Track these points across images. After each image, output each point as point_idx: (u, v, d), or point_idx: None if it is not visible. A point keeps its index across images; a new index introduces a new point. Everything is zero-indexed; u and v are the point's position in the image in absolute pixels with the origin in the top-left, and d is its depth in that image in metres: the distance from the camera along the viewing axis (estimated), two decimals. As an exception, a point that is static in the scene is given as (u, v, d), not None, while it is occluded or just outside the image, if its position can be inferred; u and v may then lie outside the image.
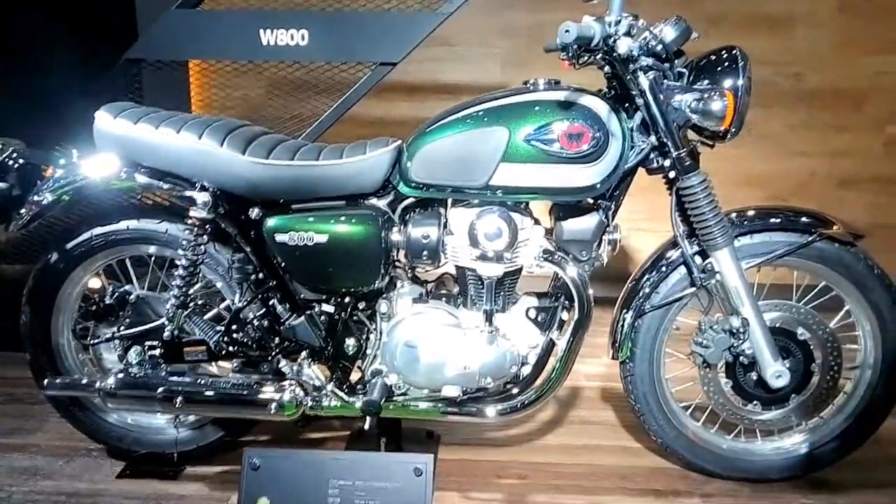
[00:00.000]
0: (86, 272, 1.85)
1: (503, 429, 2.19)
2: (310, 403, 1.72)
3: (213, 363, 1.83)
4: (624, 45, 1.48)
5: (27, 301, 1.83)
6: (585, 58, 1.57)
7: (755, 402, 1.84)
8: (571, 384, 2.47)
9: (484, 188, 1.63)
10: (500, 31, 3.43)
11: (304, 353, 1.74)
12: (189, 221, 1.68)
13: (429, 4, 2.49)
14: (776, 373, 1.75)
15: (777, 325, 1.79)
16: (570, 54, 1.51)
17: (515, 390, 1.74)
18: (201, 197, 1.65)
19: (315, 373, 1.72)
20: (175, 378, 1.72)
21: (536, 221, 1.77)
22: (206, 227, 1.69)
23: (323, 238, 1.67)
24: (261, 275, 1.73)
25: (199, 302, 1.80)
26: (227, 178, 1.65)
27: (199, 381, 1.71)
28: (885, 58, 3.38)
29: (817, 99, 3.44)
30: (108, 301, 1.76)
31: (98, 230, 1.79)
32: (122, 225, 1.78)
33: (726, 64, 1.64)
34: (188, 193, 1.67)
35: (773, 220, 1.76)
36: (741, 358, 1.78)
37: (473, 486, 1.89)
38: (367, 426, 1.69)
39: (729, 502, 1.86)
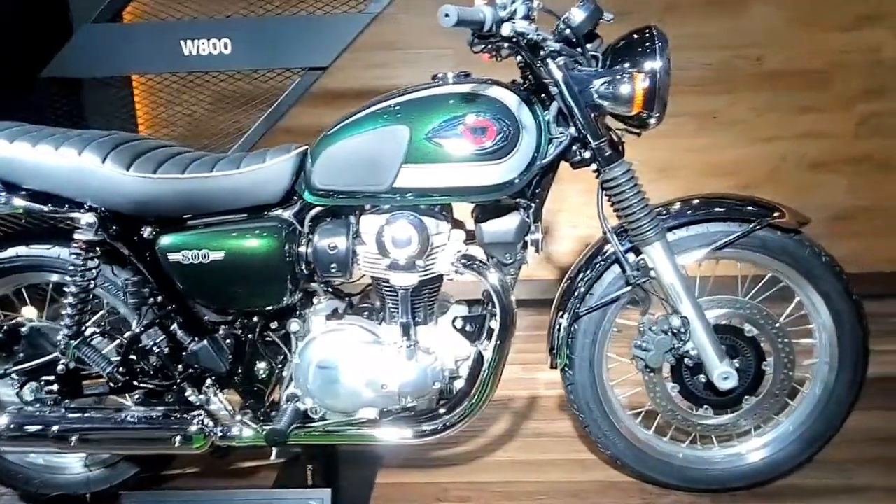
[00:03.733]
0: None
1: (450, 446, 2.06)
2: (219, 434, 1.60)
3: (122, 395, 1.70)
4: (507, 28, 1.34)
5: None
6: (502, 48, 1.44)
7: (706, 406, 1.71)
8: (529, 393, 2.34)
9: (389, 192, 1.50)
10: (449, 32, 3.31)
11: (208, 381, 1.61)
12: (75, 245, 1.55)
13: (355, 5, 2.38)
14: (723, 374, 1.61)
15: (722, 323, 1.66)
16: (480, 45, 1.39)
17: (442, 410, 1.61)
18: (86, 218, 1.53)
19: (223, 401, 1.59)
20: (72, 415, 1.59)
21: (458, 224, 1.64)
22: (96, 249, 1.57)
23: (219, 255, 1.54)
24: (160, 298, 1.60)
25: (100, 330, 1.67)
26: (111, 196, 1.53)
27: (97, 416, 1.59)
28: (850, 34, 3.25)
29: (781, 80, 3.31)
30: (-2, 335, 1.64)
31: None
32: (11, 252, 1.66)
33: (643, 45, 1.51)
34: (72, 215, 1.54)
35: (709, 209, 1.63)
36: (686, 360, 1.65)
37: (410, 513, 1.76)
38: (272, 457, 1.57)
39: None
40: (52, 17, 2.41)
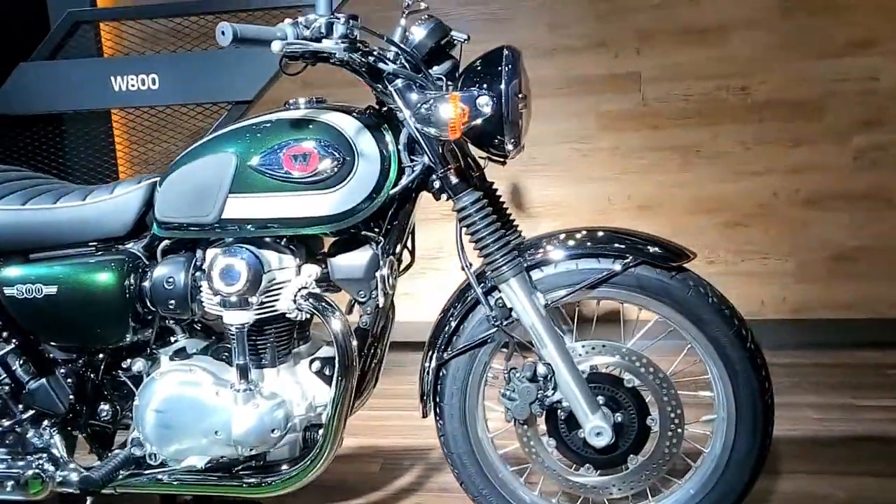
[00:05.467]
0: None
1: (348, 497, 1.93)
2: (59, 479, 1.52)
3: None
4: (316, 47, 1.25)
5: None
6: (300, 67, 1.36)
7: (587, 465, 1.52)
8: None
9: (218, 224, 1.43)
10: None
11: (46, 422, 1.55)
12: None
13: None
14: (595, 429, 1.44)
15: (598, 371, 1.49)
16: (294, 67, 1.31)
17: (286, 463, 1.49)
18: (-77, 252, 1.51)
19: (58, 444, 1.52)
20: None
21: (314, 259, 1.54)
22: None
23: (52, 289, 1.49)
24: (4, 333, 1.56)
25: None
26: (-53, 230, 1.50)
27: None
28: (842, 61, 3.02)
29: (769, 111, 3.10)
30: None
31: None
32: None
33: (490, 67, 1.40)
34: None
35: (578, 244, 1.47)
36: (560, 412, 1.49)
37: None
38: None
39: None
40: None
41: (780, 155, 3.12)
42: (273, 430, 1.47)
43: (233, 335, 1.47)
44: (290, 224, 1.41)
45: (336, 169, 1.37)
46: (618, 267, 1.44)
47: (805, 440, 2.13)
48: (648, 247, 1.45)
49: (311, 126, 1.39)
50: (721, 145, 3.16)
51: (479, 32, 3.17)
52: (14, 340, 1.56)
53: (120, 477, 1.48)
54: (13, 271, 1.52)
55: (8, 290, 1.51)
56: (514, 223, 1.64)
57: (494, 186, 1.62)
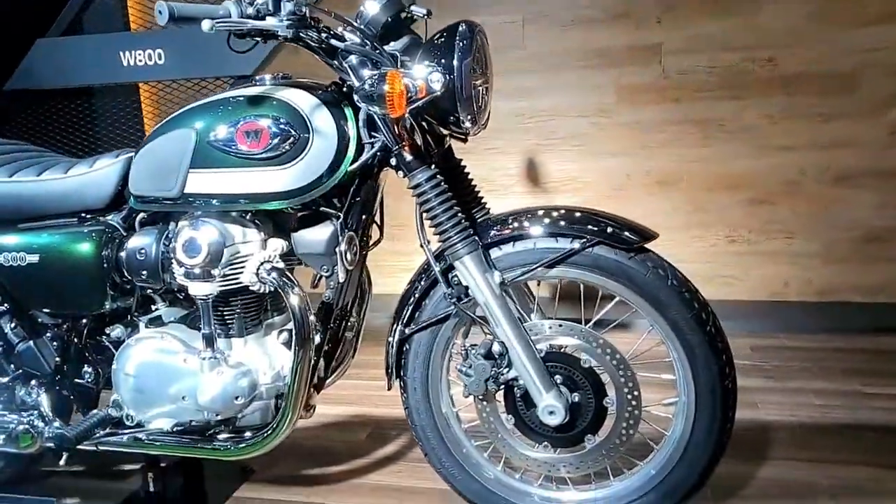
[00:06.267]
0: None
1: (331, 464, 1.99)
2: (47, 435, 1.62)
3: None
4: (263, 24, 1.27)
5: None
6: (251, 45, 1.38)
7: (545, 443, 1.53)
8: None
9: (181, 198, 1.47)
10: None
11: (34, 381, 1.64)
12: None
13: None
14: (549, 408, 1.44)
15: (556, 351, 1.48)
16: (243, 45, 1.34)
17: (248, 433, 1.55)
18: (-79, 220, 1.62)
19: (43, 403, 1.61)
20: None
21: (281, 234, 1.57)
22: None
23: (34, 258, 1.58)
24: (-2, 297, 1.66)
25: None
26: (-54, 197, 1.60)
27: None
28: (877, 30, 2.85)
29: (798, 84, 2.96)
30: None
31: None
32: None
33: (446, 42, 1.38)
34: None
35: (537, 223, 1.46)
36: (516, 389, 1.49)
37: (242, 531, 1.71)
38: (61, 462, 1.57)
39: (521, 563, 1.55)
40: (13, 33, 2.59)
41: (810, 130, 2.98)
42: (237, 398, 1.52)
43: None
44: (249, 199, 1.45)
45: (290, 146, 1.40)
46: (576, 246, 1.42)
47: (802, 426, 2.07)
48: (607, 227, 1.42)
49: (266, 103, 1.42)
50: (746, 119, 3.04)
51: (500, 4, 3.16)
52: (5, 305, 1.65)
53: (98, 435, 1.57)
54: (1, 240, 1.60)
55: (-4, 258, 1.60)
56: (482, 200, 1.63)
57: (463, 164, 1.62)
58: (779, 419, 2.13)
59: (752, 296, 3.13)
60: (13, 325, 1.67)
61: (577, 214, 1.46)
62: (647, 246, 1.45)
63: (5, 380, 1.66)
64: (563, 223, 1.45)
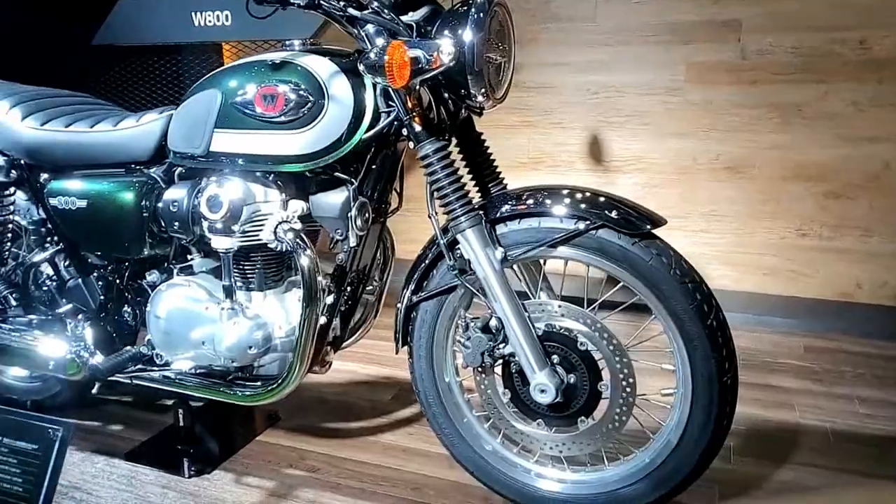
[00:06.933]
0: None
1: (348, 419, 2.08)
2: (89, 365, 1.78)
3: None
4: None
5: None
6: (270, 11, 1.42)
7: (539, 420, 1.54)
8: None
9: (207, 156, 1.56)
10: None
11: (81, 316, 1.80)
12: (-9, 185, 1.82)
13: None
14: (540, 386, 1.45)
15: (555, 331, 1.47)
16: (261, 10, 1.40)
17: (259, 382, 1.65)
18: (-4, 162, 1.79)
19: (86, 336, 1.77)
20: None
21: (303, 196, 1.63)
22: (10, 189, 1.82)
23: (83, 203, 1.71)
24: (55, 237, 1.82)
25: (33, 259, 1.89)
26: (12, 145, 1.77)
27: (5, 334, 1.84)
28: None
29: (891, 70, 2.74)
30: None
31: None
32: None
33: (464, 14, 1.39)
34: (-11, 160, 1.81)
35: (543, 201, 1.45)
36: (512, 365, 1.51)
37: (256, 472, 1.82)
38: (94, 390, 1.71)
39: (508, 535, 1.58)
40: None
41: (899, 121, 2.77)
42: (250, 348, 1.61)
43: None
44: (267, 160, 1.51)
45: (305, 111, 1.45)
46: (580, 227, 1.41)
47: (837, 434, 1.97)
48: (612, 211, 1.39)
49: (287, 68, 1.47)
50: (829, 106, 2.85)
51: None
52: (60, 244, 1.81)
53: (131, 370, 1.71)
54: (57, 184, 1.76)
55: (52, 201, 1.75)
56: (500, 175, 1.64)
57: (483, 136, 1.63)
58: (813, 423, 2.03)
59: (819, 294, 2.96)
60: (66, 263, 1.83)
61: (586, 195, 1.44)
62: (658, 233, 1.41)
63: (59, 311, 1.83)
64: (569, 203, 1.43)
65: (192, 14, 2.54)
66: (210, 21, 2.53)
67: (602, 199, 1.43)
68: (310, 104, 1.45)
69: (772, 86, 2.91)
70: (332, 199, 1.55)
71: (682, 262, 1.40)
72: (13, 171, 1.80)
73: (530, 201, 1.46)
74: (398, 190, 1.69)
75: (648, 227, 1.38)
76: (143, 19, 2.64)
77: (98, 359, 1.73)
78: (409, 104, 1.43)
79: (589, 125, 3.20)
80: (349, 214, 1.54)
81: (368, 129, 1.48)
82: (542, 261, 1.60)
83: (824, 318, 2.89)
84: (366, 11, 1.41)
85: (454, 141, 1.60)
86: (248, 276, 1.65)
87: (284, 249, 1.58)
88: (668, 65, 3.03)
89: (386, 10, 1.41)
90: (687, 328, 1.38)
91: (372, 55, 1.34)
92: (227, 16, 2.50)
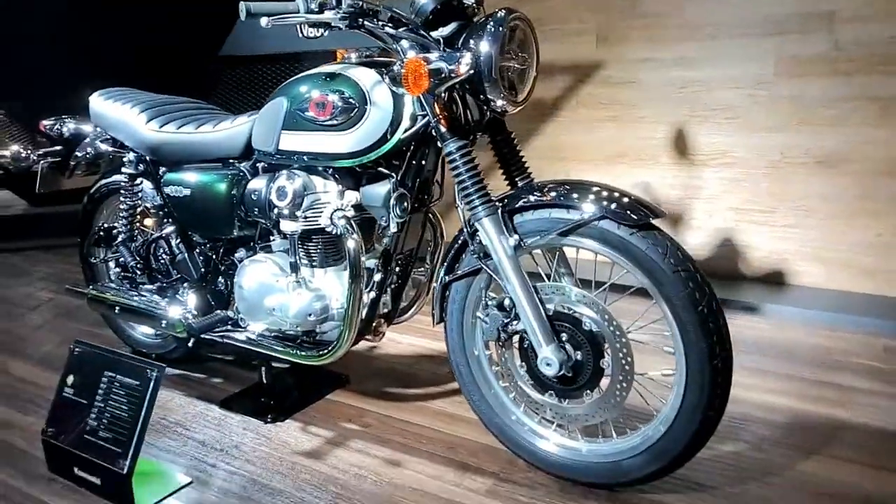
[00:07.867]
0: (107, 209, 2.54)
1: (413, 385, 2.33)
2: (194, 325, 2.15)
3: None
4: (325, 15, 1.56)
5: (78, 232, 2.60)
6: (319, 33, 1.68)
7: (550, 391, 1.70)
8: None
9: (276, 153, 1.85)
10: (592, 5, 3.30)
11: (186, 284, 2.18)
12: (124, 175, 2.25)
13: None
14: (546, 360, 1.61)
15: (565, 311, 1.63)
16: (312, 31, 1.66)
17: (315, 348, 1.93)
18: (128, 157, 2.21)
19: (188, 301, 2.15)
20: (119, 290, 2.31)
21: (356, 188, 1.88)
22: (137, 180, 2.24)
23: (188, 191, 2.08)
24: (170, 219, 2.21)
25: (153, 236, 2.31)
26: (138, 143, 2.17)
27: (128, 294, 2.27)
28: None
29: None
30: (100, 234, 2.43)
31: (103, 181, 2.46)
32: (118, 178, 2.40)
33: (482, 27, 1.57)
34: (123, 156, 2.23)
35: (554, 194, 1.60)
36: (525, 341, 1.68)
37: (319, 423, 2.11)
38: (189, 344, 2.07)
39: (523, 494, 1.75)
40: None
41: None
42: (310, 315, 1.89)
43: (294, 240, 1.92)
44: (325, 157, 1.78)
45: (349, 115, 1.70)
46: (583, 218, 1.55)
47: (882, 433, 1.95)
48: (612, 203, 1.52)
49: (338, 79, 1.73)
50: (934, 97, 2.71)
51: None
52: (173, 225, 2.21)
53: (219, 331, 2.06)
54: (171, 176, 2.14)
55: (166, 189, 2.14)
56: (527, 169, 1.81)
57: (513, 135, 1.80)
58: (863, 422, 2.02)
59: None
60: (177, 240, 2.21)
61: (594, 189, 1.57)
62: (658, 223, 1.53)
63: (171, 279, 2.23)
64: (577, 197, 1.58)
65: (298, 26, 2.87)
66: (311, 32, 2.85)
67: (607, 192, 1.56)
68: (354, 109, 1.70)
69: (868, 77, 2.81)
70: (376, 191, 1.80)
71: (677, 251, 1.50)
72: (140, 165, 2.21)
73: (545, 193, 1.62)
74: (440, 182, 1.91)
75: (645, 218, 1.50)
76: (261, 31, 3.02)
77: (196, 319, 2.10)
78: (437, 108, 1.64)
79: (674, 120, 3.23)
80: (390, 204, 1.78)
81: (406, 131, 1.71)
82: (560, 247, 1.75)
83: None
84: (400, 29, 1.63)
85: (487, 139, 1.79)
86: (311, 254, 1.93)
87: (339, 233, 1.85)
88: (756, 58, 3.00)
89: (419, 28, 1.62)
90: (680, 314, 1.49)
91: (395, 68, 1.56)
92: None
